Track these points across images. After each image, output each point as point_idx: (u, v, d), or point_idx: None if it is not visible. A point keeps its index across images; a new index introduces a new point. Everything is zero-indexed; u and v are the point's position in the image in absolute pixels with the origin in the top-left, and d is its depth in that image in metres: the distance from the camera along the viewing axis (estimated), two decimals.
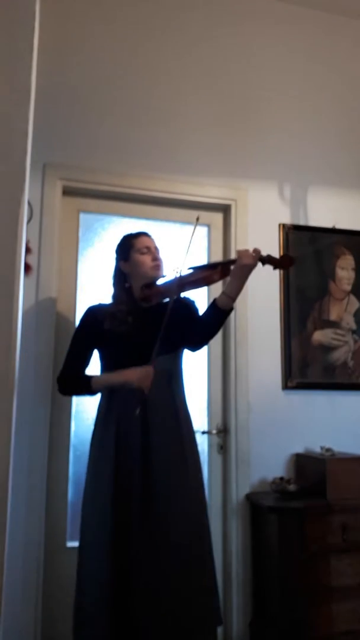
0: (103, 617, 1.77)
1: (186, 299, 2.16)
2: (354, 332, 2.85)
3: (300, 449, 2.66)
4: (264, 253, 1.97)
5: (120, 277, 2.13)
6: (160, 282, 2.07)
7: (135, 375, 1.91)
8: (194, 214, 2.74)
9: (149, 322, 1.99)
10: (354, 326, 2.85)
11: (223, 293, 1.98)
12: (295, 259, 1.97)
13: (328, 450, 2.52)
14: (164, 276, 2.08)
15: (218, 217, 2.81)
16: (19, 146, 1.62)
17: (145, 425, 1.92)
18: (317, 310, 2.80)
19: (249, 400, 2.62)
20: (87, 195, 2.62)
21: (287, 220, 2.84)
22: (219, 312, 1.98)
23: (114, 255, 2.17)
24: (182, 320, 2.04)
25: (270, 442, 2.63)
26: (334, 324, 2.82)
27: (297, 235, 2.82)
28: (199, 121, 2.76)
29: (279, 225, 2.81)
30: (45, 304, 2.43)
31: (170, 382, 2.02)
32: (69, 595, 1.98)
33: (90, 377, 2.02)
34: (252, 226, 2.76)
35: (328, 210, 2.90)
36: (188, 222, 2.76)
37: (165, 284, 2.05)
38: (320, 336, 2.78)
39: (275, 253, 2.77)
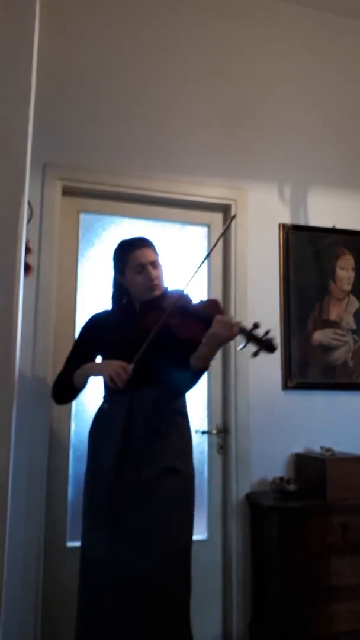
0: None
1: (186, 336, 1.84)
2: (354, 332, 2.85)
3: (300, 449, 2.66)
4: (247, 324, 1.75)
5: (118, 291, 2.04)
6: (157, 309, 1.85)
7: (107, 369, 1.80)
8: (194, 214, 2.76)
9: (147, 345, 1.80)
10: (354, 326, 2.85)
11: (194, 355, 1.78)
12: (277, 347, 1.73)
13: (328, 450, 2.52)
14: (166, 288, 1.95)
15: (218, 217, 2.81)
16: (19, 146, 1.62)
17: (129, 440, 1.82)
18: (317, 310, 2.80)
19: (249, 400, 2.62)
20: (87, 195, 2.62)
21: (287, 220, 2.84)
22: (193, 372, 1.81)
23: (111, 263, 2.05)
24: (179, 347, 1.83)
25: (270, 442, 2.62)
26: (334, 324, 2.82)
27: (297, 235, 2.82)
28: (199, 121, 2.76)
29: (279, 225, 2.81)
30: (45, 304, 2.43)
31: (157, 410, 1.85)
32: (69, 595, 1.98)
33: (72, 375, 1.95)
34: (252, 226, 2.76)
35: (328, 210, 2.90)
36: (188, 222, 2.77)
37: (163, 311, 1.83)
38: (320, 336, 2.78)
39: (276, 254, 2.78)
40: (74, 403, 2.49)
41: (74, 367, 1.96)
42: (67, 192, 2.56)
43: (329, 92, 3.01)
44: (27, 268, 2.35)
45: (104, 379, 1.84)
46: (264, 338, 1.73)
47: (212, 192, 2.72)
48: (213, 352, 1.77)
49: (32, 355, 2.37)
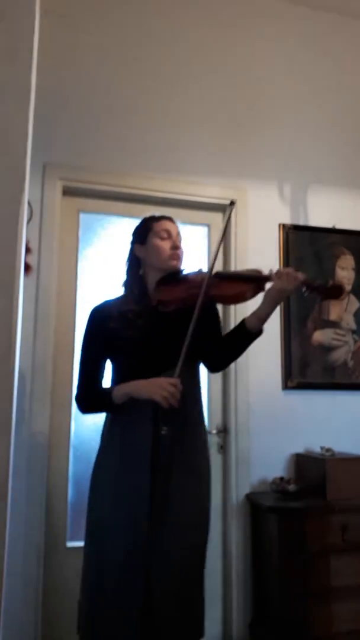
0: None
1: (212, 305, 1.86)
2: (354, 332, 2.85)
3: (300, 449, 2.66)
4: (304, 277, 1.71)
5: (134, 264, 1.84)
6: (179, 283, 1.77)
7: (157, 390, 1.62)
8: (194, 214, 2.76)
9: (164, 327, 1.71)
10: (354, 326, 2.85)
11: (254, 314, 1.76)
12: (344, 287, 1.72)
13: (328, 450, 2.52)
14: (182, 270, 1.82)
15: (218, 217, 2.81)
16: (19, 146, 1.62)
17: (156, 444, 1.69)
18: (317, 310, 2.80)
19: (249, 400, 2.62)
20: (87, 195, 2.62)
21: (287, 220, 2.84)
22: (248, 335, 1.76)
23: (130, 239, 1.89)
24: (205, 329, 1.78)
25: (270, 442, 2.62)
26: (334, 324, 2.82)
27: (297, 235, 2.82)
28: (199, 121, 2.76)
29: (279, 225, 2.81)
30: (45, 304, 2.43)
31: (184, 397, 1.70)
32: (69, 595, 1.98)
33: (110, 392, 1.72)
34: (252, 226, 2.76)
35: (328, 210, 2.90)
36: (188, 222, 2.76)
37: (188, 283, 1.75)
38: (320, 336, 2.78)
39: (275, 254, 2.78)
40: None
41: (96, 373, 1.80)
42: (67, 192, 2.56)
43: (329, 92, 3.01)
44: (27, 268, 2.35)
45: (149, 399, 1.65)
46: (329, 285, 1.73)
47: (212, 192, 2.72)
48: (273, 310, 1.74)
49: (32, 355, 2.37)
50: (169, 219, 1.88)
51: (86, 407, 1.82)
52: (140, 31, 2.74)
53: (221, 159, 2.77)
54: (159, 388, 1.62)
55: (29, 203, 2.16)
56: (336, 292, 1.76)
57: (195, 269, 1.82)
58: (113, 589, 1.62)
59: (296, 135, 2.91)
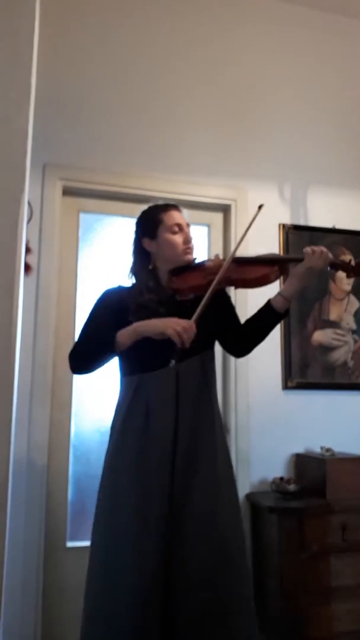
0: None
1: (224, 291, 1.88)
2: (354, 332, 2.85)
3: (300, 449, 2.66)
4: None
5: (144, 257, 1.79)
6: (194, 270, 1.75)
7: (171, 324, 1.57)
8: (194, 214, 2.74)
9: (185, 315, 1.63)
10: (354, 326, 2.85)
11: (279, 294, 1.75)
12: None
13: (328, 450, 2.52)
14: (195, 258, 1.80)
15: (218, 217, 2.81)
16: (19, 146, 1.62)
17: (176, 432, 1.64)
18: (317, 310, 2.80)
19: (249, 400, 2.62)
20: (87, 195, 2.62)
21: (287, 220, 2.84)
22: (275, 315, 1.75)
23: (133, 229, 1.84)
24: (220, 313, 1.80)
25: (270, 442, 2.62)
26: (334, 324, 2.82)
27: (297, 235, 2.82)
28: (199, 121, 2.76)
29: (279, 225, 2.81)
30: (45, 304, 2.43)
31: (207, 385, 1.72)
32: (69, 595, 1.98)
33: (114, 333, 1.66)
34: (252, 226, 2.75)
35: (328, 210, 2.90)
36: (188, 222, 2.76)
37: (205, 271, 1.72)
38: (320, 336, 2.78)
39: (276, 253, 2.77)
40: (74, 403, 2.49)
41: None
42: (67, 192, 2.56)
43: (330, 92, 3.01)
44: (27, 268, 2.35)
45: (162, 336, 1.59)
46: (355, 263, 1.76)
47: (212, 192, 2.72)
48: (301, 288, 1.77)
49: (32, 355, 2.37)
50: (176, 207, 1.82)
51: (82, 352, 1.71)
52: (140, 32, 2.73)
53: (221, 159, 2.77)
54: (173, 323, 1.58)
55: (29, 203, 2.16)
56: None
57: (209, 256, 1.80)
58: (129, 587, 1.55)
59: (296, 135, 2.91)
